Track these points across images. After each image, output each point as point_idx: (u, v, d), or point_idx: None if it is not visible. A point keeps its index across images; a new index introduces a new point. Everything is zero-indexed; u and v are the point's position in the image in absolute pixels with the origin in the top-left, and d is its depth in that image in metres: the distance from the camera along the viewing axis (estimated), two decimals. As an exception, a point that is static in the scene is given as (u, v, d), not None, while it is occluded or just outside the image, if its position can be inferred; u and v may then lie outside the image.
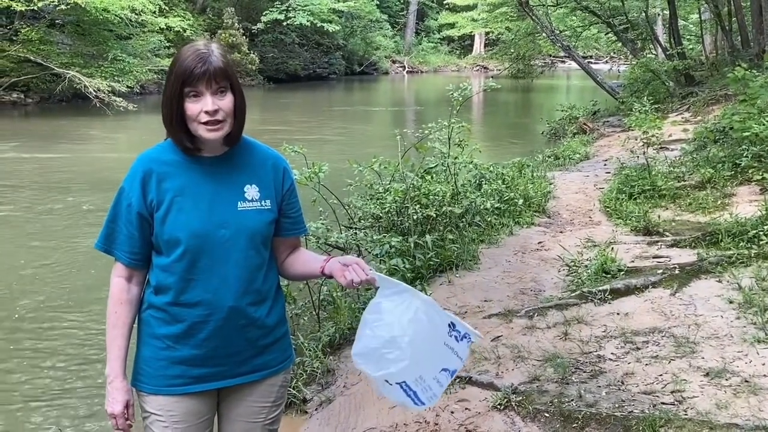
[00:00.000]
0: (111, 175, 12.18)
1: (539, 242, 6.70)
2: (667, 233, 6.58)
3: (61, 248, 8.18)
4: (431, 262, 5.82)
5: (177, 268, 2.16)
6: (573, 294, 5.11)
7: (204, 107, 2.07)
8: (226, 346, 2.19)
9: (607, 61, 40.17)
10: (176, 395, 2.21)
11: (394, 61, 48.13)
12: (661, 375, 3.77)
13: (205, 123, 2.09)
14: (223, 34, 30.89)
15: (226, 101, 2.10)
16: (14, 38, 22.03)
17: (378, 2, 44.97)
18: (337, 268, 2.23)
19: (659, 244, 6.27)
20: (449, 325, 2.22)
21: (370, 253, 5.72)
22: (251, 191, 2.21)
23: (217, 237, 2.15)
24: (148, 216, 2.16)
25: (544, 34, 21.60)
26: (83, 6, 21.18)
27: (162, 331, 2.21)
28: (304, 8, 35.29)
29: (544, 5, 20.60)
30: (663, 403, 3.46)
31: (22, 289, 6.88)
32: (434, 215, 6.26)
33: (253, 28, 34.69)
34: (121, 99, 20.88)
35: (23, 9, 20.15)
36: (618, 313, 4.69)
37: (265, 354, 2.27)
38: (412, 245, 5.76)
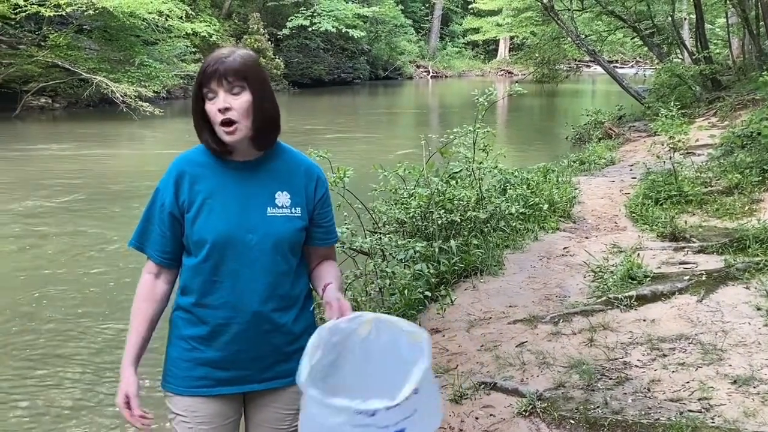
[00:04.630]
0: (136, 179, 12.38)
1: (564, 248, 6.67)
2: (694, 239, 6.52)
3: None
4: (456, 267, 5.81)
5: (203, 269, 2.19)
6: (599, 300, 5.08)
7: (218, 106, 2.10)
8: (250, 350, 2.20)
9: (632, 66, 39.98)
10: (201, 396, 2.22)
11: (418, 66, 48.10)
12: (688, 382, 3.74)
13: (222, 124, 2.11)
14: (249, 40, 31.05)
15: (240, 101, 2.11)
16: (42, 44, 22.24)
17: (403, 7, 45.02)
18: (330, 298, 2.14)
19: (686, 250, 6.22)
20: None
21: (394, 257, 5.72)
22: (282, 198, 2.20)
23: (244, 241, 2.16)
24: (179, 216, 2.20)
25: (569, 39, 21.48)
26: (111, 11, 21.35)
27: (188, 332, 2.23)
28: (329, 14, 35.37)
29: (569, 10, 20.48)
30: (690, 411, 3.43)
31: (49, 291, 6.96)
32: (459, 220, 6.26)
33: (278, 33, 34.83)
34: (148, 104, 21.04)
35: (51, 14, 20.31)
36: (644, 320, 4.66)
37: (291, 361, 2.20)
38: (437, 250, 5.75)
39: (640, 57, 36.57)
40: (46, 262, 7.88)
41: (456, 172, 7.04)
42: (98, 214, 10.31)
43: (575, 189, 9.01)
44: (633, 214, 7.81)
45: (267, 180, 2.22)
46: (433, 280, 5.42)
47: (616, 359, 4.11)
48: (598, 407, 3.55)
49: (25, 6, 19.59)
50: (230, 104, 2.10)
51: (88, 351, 5.72)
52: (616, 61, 39.69)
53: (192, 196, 2.19)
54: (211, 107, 2.11)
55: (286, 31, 34.78)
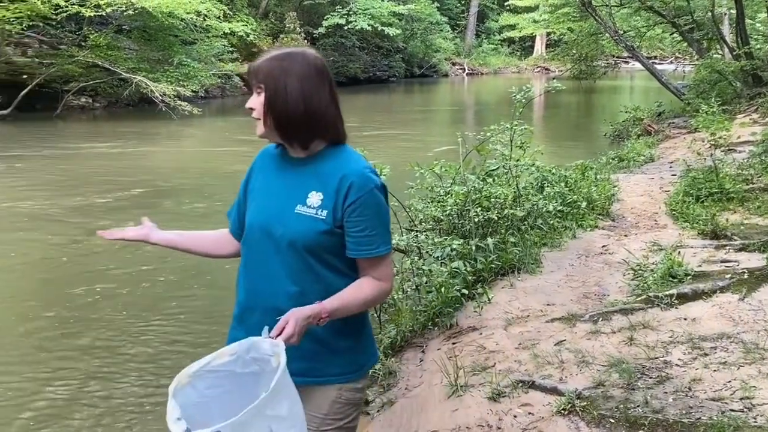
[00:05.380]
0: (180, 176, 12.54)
1: (603, 246, 6.61)
2: (736, 237, 6.43)
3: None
4: (493, 265, 5.79)
5: (242, 253, 2.37)
6: (638, 298, 5.03)
7: (246, 104, 2.27)
8: None
9: (671, 62, 39.47)
10: None
11: (453, 63, 47.96)
12: (729, 381, 3.69)
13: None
14: (285, 39, 31.23)
15: (259, 100, 2.21)
16: (83, 44, 22.58)
17: (438, 4, 44.92)
18: (286, 315, 2.08)
19: (727, 248, 6.13)
20: None
21: (431, 255, 5.71)
22: (314, 198, 2.20)
23: (270, 233, 2.24)
24: (243, 201, 2.42)
25: (607, 35, 21.29)
26: (150, 11, 21.60)
27: (234, 310, 2.39)
28: (365, 12, 35.43)
29: (607, 5, 20.28)
30: (732, 410, 3.38)
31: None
32: (496, 218, 6.23)
33: (314, 32, 34.99)
34: (186, 103, 21.26)
35: (92, 15, 20.60)
36: (685, 318, 4.60)
37: (312, 360, 2.22)
38: (474, 248, 5.74)
39: (680, 53, 36.03)
40: (97, 257, 8.02)
41: (493, 170, 7.00)
42: (149, 210, 10.47)
43: (614, 186, 8.92)
44: (673, 212, 7.71)
45: (307, 178, 2.24)
46: (470, 277, 5.40)
47: (657, 358, 4.06)
48: (638, 406, 3.51)
49: (66, 6, 19.89)
50: (253, 104, 2.23)
51: (138, 344, 5.84)
52: (655, 57, 39.17)
53: (254, 184, 2.38)
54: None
55: (322, 30, 34.92)
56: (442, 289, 5.15)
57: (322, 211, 2.19)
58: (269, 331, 2.03)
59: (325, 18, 35.06)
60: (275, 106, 2.18)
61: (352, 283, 2.23)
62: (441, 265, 5.50)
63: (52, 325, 6.19)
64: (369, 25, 35.16)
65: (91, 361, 5.55)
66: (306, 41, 32.74)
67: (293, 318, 2.05)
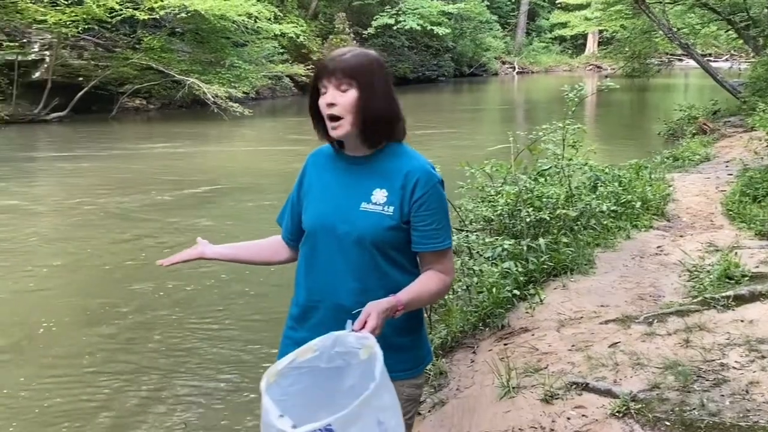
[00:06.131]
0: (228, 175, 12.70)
1: (658, 246, 6.51)
2: (795, 237, 6.29)
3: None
4: (545, 266, 5.73)
5: (303, 253, 2.38)
6: (694, 300, 4.95)
7: (325, 100, 2.19)
8: None
9: (727, 59, 38.70)
10: None
11: (503, 62, 47.66)
12: (788, 385, 3.61)
13: (328, 118, 2.20)
14: (335, 39, 31.36)
15: (346, 98, 2.17)
16: (137, 47, 22.98)
17: (488, 3, 44.69)
18: (366, 308, 2.11)
19: (786, 249, 6.01)
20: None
21: (481, 255, 5.69)
22: (378, 195, 2.24)
23: (334, 231, 2.25)
24: (297, 203, 2.42)
25: (660, 32, 20.96)
26: (202, 14, 21.89)
27: (291, 310, 2.42)
28: (414, 12, 35.44)
29: (660, 2, 19.96)
30: (791, 415, 3.31)
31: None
32: (548, 218, 6.18)
33: (363, 32, 35.08)
34: (238, 104, 21.48)
35: (145, 18, 20.97)
36: (742, 320, 4.51)
37: None
38: (525, 248, 5.69)
39: (735, 50, 35.35)
40: (162, 254, 8.12)
41: (545, 170, 6.95)
42: (211, 207, 10.83)
43: (669, 186, 8.79)
44: (730, 212, 7.58)
45: (370, 176, 2.26)
46: (521, 278, 5.36)
47: (713, 360, 3.99)
48: (694, 409, 3.46)
49: (120, 10, 20.27)
50: (336, 100, 2.17)
51: (197, 342, 5.95)
52: (710, 55, 38.39)
53: (309, 184, 2.38)
54: (321, 101, 2.21)
55: (371, 30, 35.00)
56: (494, 290, 5.12)
57: (388, 208, 2.23)
58: (352, 325, 2.05)
59: (375, 18, 35.15)
60: (367, 104, 2.19)
61: (420, 277, 2.30)
62: (492, 266, 5.47)
63: (118, 322, 6.32)
64: (418, 25, 35.15)
65: (162, 359, 5.65)
66: (355, 42, 32.83)
67: (374, 311, 2.07)
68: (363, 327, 2.04)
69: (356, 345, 2.02)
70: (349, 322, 2.06)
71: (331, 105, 2.18)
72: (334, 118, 2.18)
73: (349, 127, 2.19)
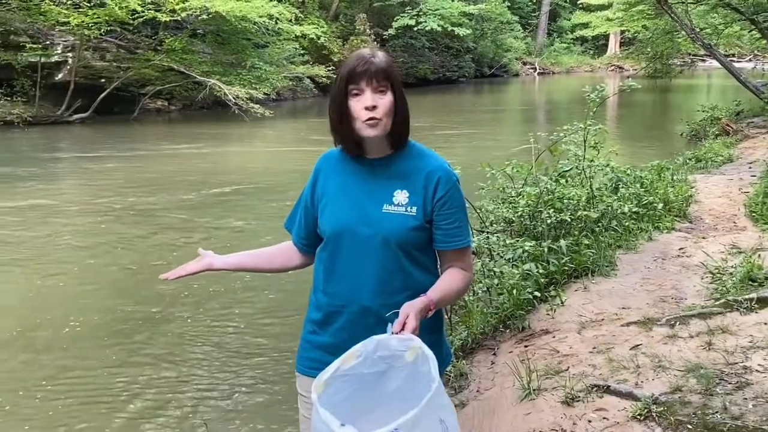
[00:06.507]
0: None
1: (680, 248, 6.47)
2: (820, 240, 6.22)
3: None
4: (566, 268, 5.71)
5: (322, 258, 2.37)
6: (717, 302, 4.90)
7: (364, 104, 2.18)
8: (354, 340, 2.20)
9: (750, 60, 38.31)
10: (315, 378, 2.28)
11: (524, 63, 47.54)
12: (813, 389, 3.57)
13: (366, 120, 2.18)
14: (355, 40, 31.43)
15: (385, 100, 2.19)
16: (159, 48, 23.13)
17: (509, 4, 44.58)
18: (402, 310, 2.11)
19: (811, 251, 5.94)
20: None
21: (502, 257, 5.67)
22: (400, 196, 2.25)
23: (357, 234, 2.26)
24: (311, 207, 2.40)
25: (683, 32, 20.80)
26: (224, 15, 21.99)
27: (311, 315, 2.42)
28: (435, 12, 35.40)
29: (683, 2, 19.80)
30: (816, 419, 3.27)
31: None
32: (569, 219, 6.16)
33: (384, 33, 35.10)
34: (258, 105, 21.57)
35: (167, 19, 21.11)
36: (765, 323, 4.46)
37: None
38: (546, 250, 5.67)
39: (758, 50, 35.00)
40: (192, 255, 8.19)
41: (566, 171, 6.92)
42: (237, 207, 10.92)
43: (691, 187, 8.72)
44: (753, 214, 7.50)
45: (390, 178, 2.28)
46: (542, 280, 5.34)
47: (736, 363, 3.95)
48: (716, 412, 3.42)
49: (142, 11, 20.42)
50: (377, 102, 2.18)
51: (219, 341, 5.98)
52: (733, 55, 37.98)
53: (324, 189, 2.36)
54: (356, 104, 2.20)
55: (391, 31, 35.02)
56: (514, 292, 5.11)
57: (411, 208, 2.25)
58: (392, 328, 2.05)
59: (395, 19, 35.16)
60: (399, 105, 2.23)
61: (443, 275, 2.33)
62: (512, 267, 5.45)
63: (141, 321, 6.37)
64: (439, 26, 35.11)
65: (184, 358, 5.67)
66: (376, 43, 32.87)
67: (412, 312, 2.09)
68: (402, 329, 2.05)
69: (400, 347, 2.02)
70: (389, 325, 2.06)
71: (373, 108, 2.17)
72: (374, 120, 2.19)
73: (385, 128, 2.21)
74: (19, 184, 12.45)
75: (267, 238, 8.18)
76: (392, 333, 2.04)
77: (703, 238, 6.85)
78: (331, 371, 1.98)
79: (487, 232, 6.18)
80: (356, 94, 2.19)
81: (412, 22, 34.93)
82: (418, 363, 1.97)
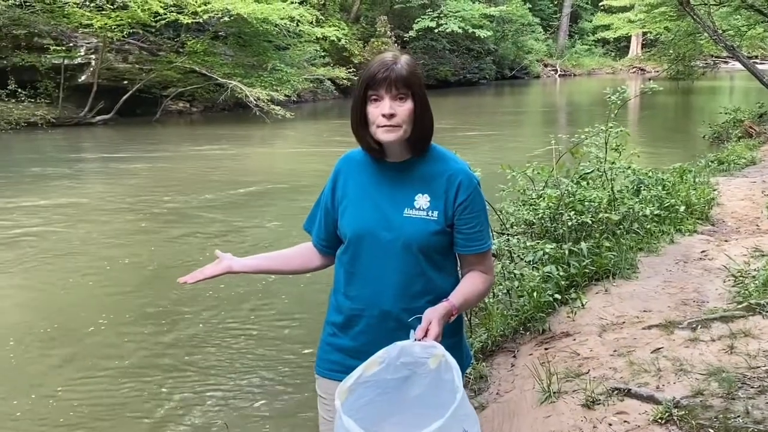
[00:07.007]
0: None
1: (702, 251, 6.42)
2: None
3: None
4: (587, 270, 5.69)
5: (343, 261, 2.36)
6: (739, 306, 4.87)
7: (382, 111, 2.16)
8: (376, 344, 2.20)
9: (774, 61, 38.01)
10: (335, 380, 2.28)
11: (546, 65, 47.42)
12: (838, 394, 3.54)
13: (383, 126, 2.17)
14: (376, 42, 31.47)
15: (405, 107, 2.17)
16: (180, 50, 23.30)
17: (530, 6, 44.47)
18: (425, 316, 2.11)
19: (835, 254, 5.88)
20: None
21: (522, 259, 5.66)
22: (421, 200, 2.24)
23: (378, 238, 2.25)
24: (332, 209, 2.39)
25: (705, 34, 20.65)
26: (245, 17, 22.10)
27: (331, 318, 2.42)
28: (456, 15, 35.39)
29: (705, 4, 19.66)
30: (840, 424, 3.25)
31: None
32: (590, 222, 6.13)
33: (404, 35, 35.12)
34: (279, 107, 21.66)
35: (189, 22, 21.24)
36: (789, 327, 4.43)
37: None
38: (567, 252, 5.65)
39: (783, 52, 34.74)
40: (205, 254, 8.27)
41: (587, 173, 6.89)
42: (265, 207, 11.03)
43: (714, 190, 8.67)
44: (776, 217, 7.45)
45: (412, 182, 2.27)
46: (562, 282, 5.33)
47: (758, 367, 3.92)
48: (738, 416, 3.40)
49: (165, 14, 20.58)
50: (395, 110, 2.16)
51: (242, 343, 6.00)
52: (756, 57, 37.67)
53: (344, 191, 2.35)
54: (374, 110, 2.19)
55: (412, 33, 35.06)
56: (534, 294, 5.10)
57: (432, 212, 2.24)
58: (415, 334, 2.05)
59: (416, 21, 35.19)
60: (424, 114, 2.22)
61: (464, 279, 2.33)
62: (533, 270, 5.44)
63: (165, 322, 6.40)
64: (460, 28, 35.09)
65: (206, 359, 5.70)
66: (396, 45, 32.91)
67: (435, 318, 2.08)
68: (425, 335, 2.04)
69: (423, 354, 2.02)
70: (412, 331, 2.06)
71: (390, 116, 2.16)
72: (392, 127, 2.18)
73: (403, 135, 2.20)
74: (50, 183, 12.64)
75: (299, 238, 8.24)
76: (415, 339, 2.04)
77: (726, 241, 6.80)
78: (355, 378, 1.98)
79: (508, 234, 6.17)
80: (375, 100, 2.18)
81: (433, 24, 34.94)
82: (441, 371, 1.97)
